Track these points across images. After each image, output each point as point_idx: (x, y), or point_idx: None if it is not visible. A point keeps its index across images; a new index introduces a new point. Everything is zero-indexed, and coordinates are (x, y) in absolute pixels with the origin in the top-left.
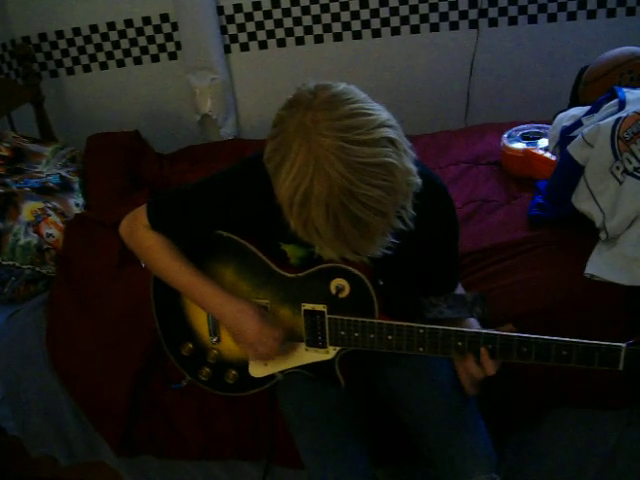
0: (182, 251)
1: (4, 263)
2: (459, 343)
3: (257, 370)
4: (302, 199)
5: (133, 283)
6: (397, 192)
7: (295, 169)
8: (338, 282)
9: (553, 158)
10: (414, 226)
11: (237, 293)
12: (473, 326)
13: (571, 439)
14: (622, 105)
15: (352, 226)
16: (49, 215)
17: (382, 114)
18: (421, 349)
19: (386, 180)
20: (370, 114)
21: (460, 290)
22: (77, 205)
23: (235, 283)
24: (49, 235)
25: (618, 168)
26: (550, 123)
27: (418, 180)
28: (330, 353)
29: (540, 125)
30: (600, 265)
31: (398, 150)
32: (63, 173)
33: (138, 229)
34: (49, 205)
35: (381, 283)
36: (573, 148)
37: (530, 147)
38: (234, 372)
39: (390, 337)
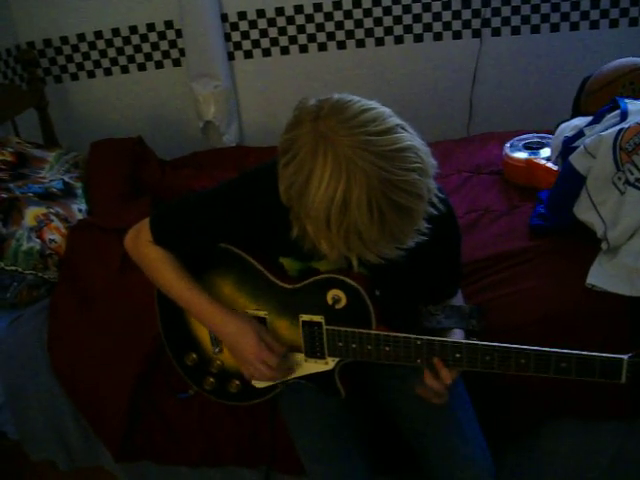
0: (184, 265)
1: (7, 268)
2: (457, 355)
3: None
4: (341, 205)
5: (135, 289)
6: (427, 172)
7: (326, 178)
8: (334, 293)
9: (555, 168)
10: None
11: (235, 304)
12: (457, 336)
13: (570, 449)
14: (624, 116)
15: (396, 215)
16: (52, 220)
17: (382, 107)
18: (418, 360)
19: (416, 162)
20: (375, 108)
21: (460, 298)
22: (80, 211)
23: (234, 294)
24: (52, 240)
25: (620, 179)
26: (552, 133)
27: (434, 161)
28: (329, 364)
29: (542, 135)
30: (601, 275)
31: (411, 134)
32: (66, 179)
33: (141, 243)
34: (52, 211)
35: (378, 293)
36: (575, 158)
37: (532, 157)
38: (237, 382)
39: (387, 348)
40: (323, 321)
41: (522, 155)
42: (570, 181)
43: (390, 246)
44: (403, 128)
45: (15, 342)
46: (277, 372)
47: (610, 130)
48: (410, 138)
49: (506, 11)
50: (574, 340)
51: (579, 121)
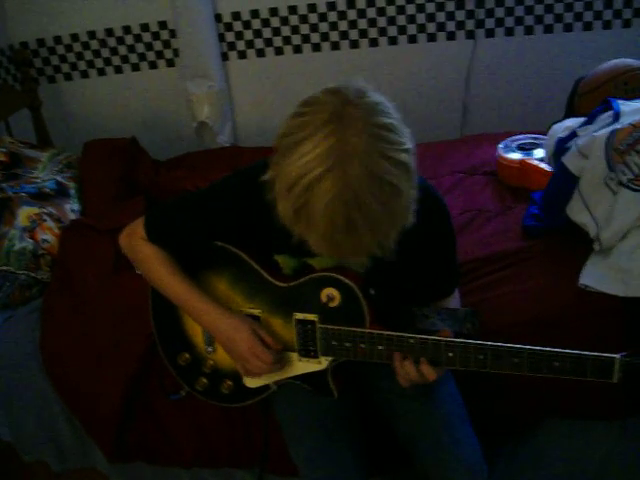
0: (179, 263)
1: None
2: (450, 354)
3: (251, 381)
4: (309, 184)
5: (128, 289)
6: (394, 216)
7: (314, 153)
8: (328, 291)
9: (548, 169)
10: (409, 235)
11: (230, 302)
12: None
13: (564, 449)
14: (617, 117)
15: (344, 228)
16: (45, 221)
17: (409, 141)
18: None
19: (390, 201)
20: (401, 136)
21: (457, 297)
22: (73, 211)
23: (228, 292)
24: (44, 241)
25: (612, 179)
26: (545, 134)
27: (410, 220)
28: (322, 363)
29: (536, 136)
30: (594, 276)
31: (410, 181)
32: (59, 179)
33: (136, 241)
34: (45, 211)
35: (372, 292)
36: (568, 159)
37: (525, 157)
38: (229, 382)
39: (381, 347)
40: (317, 319)
41: (515, 156)
42: (563, 182)
43: (326, 249)
44: (408, 172)
45: (7, 342)
46: (271, 367)
47: (603, 131)
48: (404, 182)
49: (500, 12)
50: (567, 340)
51: (572, 122)
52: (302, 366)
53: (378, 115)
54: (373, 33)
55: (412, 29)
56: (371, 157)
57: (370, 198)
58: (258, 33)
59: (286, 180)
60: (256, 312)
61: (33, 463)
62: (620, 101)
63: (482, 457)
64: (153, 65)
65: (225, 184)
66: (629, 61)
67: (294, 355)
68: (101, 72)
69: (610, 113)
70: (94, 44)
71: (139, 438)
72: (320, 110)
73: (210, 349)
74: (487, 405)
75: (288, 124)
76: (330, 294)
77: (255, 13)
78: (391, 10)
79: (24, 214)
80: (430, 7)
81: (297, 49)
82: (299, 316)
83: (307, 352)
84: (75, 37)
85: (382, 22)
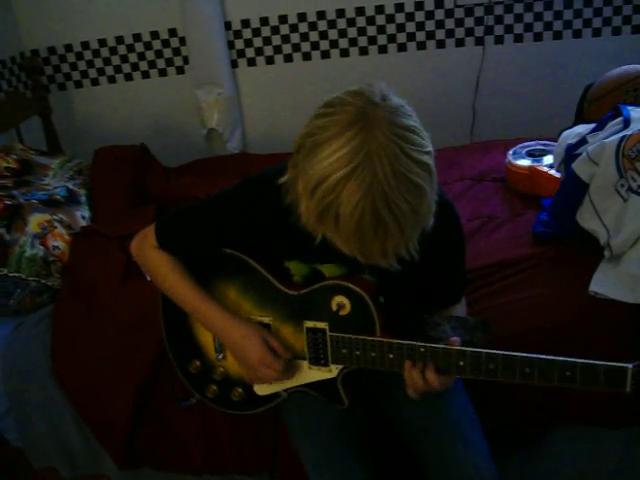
0: (189, 270)
1: (10, 275)
2: (460, 362)
3: (261, 388)
4: (336, 183)
5: (138, 296)
6: (419, 216)
7: (341, 152)
8: (339, 299)
9: (558, 175)
10: (420, 242)
11: (240, 310)
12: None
13: (573, 457)
14: (627, 123)
15: (373, 227)
16: (55, 227)
17: (429, 144)
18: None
19: (416, 201)
20: (424, 139)
21: (463, 305)
22: (83, 218)
23: (238, 300)
24: (55, 247)
25: (623, 186)
26: (555, 140)
27: (431, 221)
28: (333, 372)
29: (545, 142)
30: (605, 283)
31: (432, 183)
32: (70, 186)
33: (147, 249)
34: (55, 217)
35: (382, 300)
36: (578, 166)
37: (535, 164)
38: (240, 390)
39: (391, 356)
40: (327, 328)
41: (525, 162)
42: (573, 188)
43: (356, 250)
44: (430, 174)
45: (18, 349)
46: (281, 376)
47: (613, 137)
48: (427, 183)
49: (509, 19)
50: (578, 348)
51: (582, 128)
52: (312, 374)
53: (401, 117)
54: (382, 40)
55: (421, 36)
56: (398, 157)
57: (398, 197)
58: (267, 40)
59: (311, 180)
60: (266, 320)
61: (43, 469)
62: (630, 107)
63: (493, 464)
64: (163, 72)
65: (236, 191)
66: (639, 67)
67: (304, 363)
68: (111, 79)
69: (620, 119)
70: (104, 52)
71: (148, 445)
72: (345, 111)
73: (221, 356)
74: (497, 412)
75: (312, 124)
76: (340, 302)
77: (264, 20)
78: (400, 17)
79: (35, 221)
80: (439, 14)
81: (306, 56)
82: (309, 324)
83: (317, 360)
84: (86, 45)
85: (391, 29)
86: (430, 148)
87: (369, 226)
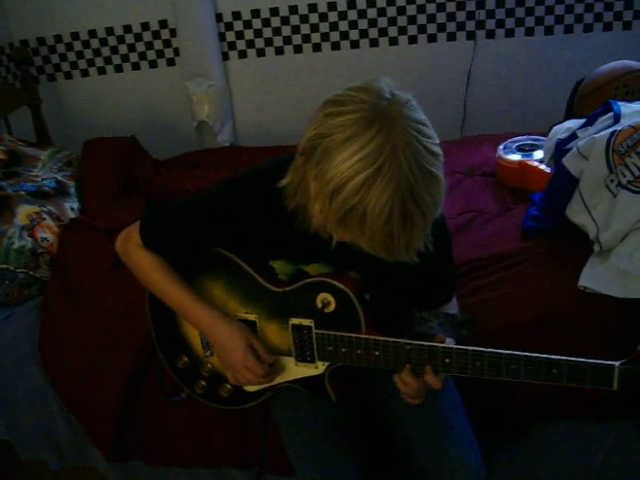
0: (174, 268)
1: None
2: (446, 360)
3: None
4: (361, 185)
5: (127, 288)
6: (438, 206)
7: (364, 152)
8: (324, 297)
9: (548, 170)
10: None
11: (225, 307)
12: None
13: (562, 450)
14: (617, 118)
15: (402, 222)
16: (44, 219)
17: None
18: (408, 365)
19: (436, 192)
20: (432, 129)
21: (454, 303)
22: (72, 209)
23: (223, 297)
24: (43, 239)
25: (612, 181)
26: (546, 135)
27: (443, 200)
28: (319, 368)
29: (536, 137)
30: (594, 277)
31: (443, 172)
32: (59, 177)
33: (132, 247)
34: (44, 209)
35: (368, 297)
36: (568, 160)
37: (525, 159)
38: (228, 386)
39: (377, 353)
40: (313, 325)
41: (515, 157)
42: (563, 183)
43: (381, 248)
44: (441, 164)
45: (5, 341)
46: (260, 380)
47: (603, 132)
48: (442, 174)
49: (500, 13)
50: (566, 342)
51: (572, 123)
52: (299, 371)
53: (413, 111)
54: (373, 33)
55: (413, 30)
56: (418, 150)
57: (423, 190)
58: (258, 33)
59: (330, 183)
60: (252, 317)
61: (31, 462)
62: (620, 103)
63: (481, 458)
64: (153, 64)
65: (222, 190)
66: (629, 63)
67: (291, 360)
68: (101, 71)
69: (610, 115)
70: (94, 43)
71: (137, 437)
72: (359, 109)
73: (208, 353)
74: (486, 406)
75: (324, 124)
76: (325, 299)
77: (256, 13)
78: (391, 11)
79: (23, 212)
80: (431, 8)
81: (297, 49)
82: (295, 321)
83: (304, 357)
84: (75, 35)
85: (383, 22)
86: (438, 139)
87: (398, 222)
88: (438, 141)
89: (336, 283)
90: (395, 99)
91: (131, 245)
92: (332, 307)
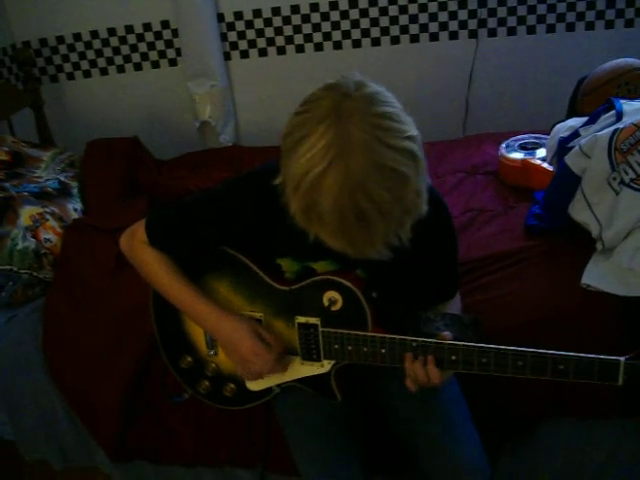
0: (179, 266)
1: (1, 268)
2: (453, 357)
3: (254, 384)
4: (313, 182)
5: (130, 289)
6: (404, 205)
7: (315, 150)
8: (330, 295)
9: (550, 168)
10: (411, 239)
11: (231, 306)
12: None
13: (566, 448)
14: (619, 116)
15: (355, 220)
16: (47, 220)
17: (413, 129)
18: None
19: (398, 189)
20: (402, 122)
21: (458, 300)
22: (75, 210)
23: (229, 296)
24: (47, 240)
25: (615, 179)
26: (548, 133)
27: (425, 207)
28: (325, 367)
29: (538, 135)
30: (596, 275)
31: (417, 168)
32: (62, 178)
33: (136, 245)
34: (47, 210)
35: (374, 295)
36: (570, 159)
37: (528, 157)
38: (232, 386)
39: (383, 350)
40: (319, 323)
41: (518, 155)
42: (565, 181)
43: (346, 246)
44: (414, 158)
45: (10, 342)
46: (273, 365)
47: (605, 130)
48: (410, 168)
49: (502, 12)
50: (570, 340)
51: (574, 121)
52: (305, 369)
53: (377, 105)
54: (375, 32)
55: (414, 29)
56: (372, 146)
57: (377, 187)
58: (260, 32)
59: (292, 180)
60: (257, 316)
61: (35, 462)
62: (622, 101)
63: (484, 456)
64: (155, 64)
65: (227, 189)
66: (631, 61)
67: (297, 358)
68: (103, 71)
69: (612, 113)
70: (96, 43)
71: (140, 437)
72: (318, 106)
73: (212, 352)
74: (489, 405)
75: (289, 124)
76: (332, 297)
77: (257, 12)
78: (393, 10)
79: (27, 213)
80: (432, 7)
81: (299, 48)
82: (301, 320)
83: (310, 355)
84: (78, 36)
85: (384, 21)
86: (412, 133)
87: (352, 219)
88: (409, 134)
89: (343, 281)
90: (358, 94)
91: (136, 243)
92: (339, 305)
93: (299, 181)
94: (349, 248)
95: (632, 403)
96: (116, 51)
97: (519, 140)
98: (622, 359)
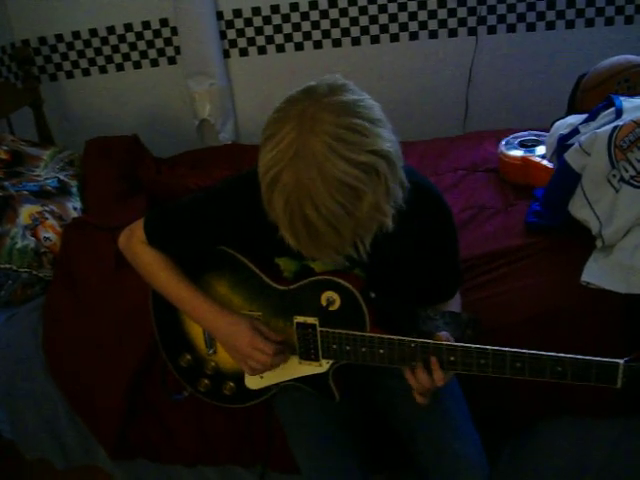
0: (177, 265)
1: (1, 266)
2: (451, 358)
3: (253, 382)
4: (272, 179)
5: (130, 287)
6: (358, 219)
7: (276, 150)
8: (329, 295)
9: (550, 166)
10: (410, 236)
11: (230, 306)
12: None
13: (566, 446)
14: (619, 113)
15: (303, 227)
16: (47, 219)
17: (383, 144)
18: (413, 363)
19: (350, 203)
20: (369, 137)
21: (458, 299)
22: (75, 209)
23: (228, 296)
24: (46, 239)
25: (615, 176)
26: (548, 131)
27: (388, 223)
28: (323, 366)
29: (538, 132)
30: (596, 273)
31: (378, 183)
32: (61, 177)
33: (135, 244)
34: (47, 209)
35: (373, 295)
36: (570, 156)
37: (528, 154)
38: (231, 384)
39: (382, 351)
40: (317, 323)
41: (517, 153)
42: (565, 179)
43: (300, 246)
44: (376, 173)
45: (9, 340)
46: (274, 359)
47: (605, 128)
48: (367, 184)
49: (502, 9)
50: (570, 338)
51: (574, 119)
52: (303, 369)
53: (344, 115)
54: (374, 30)
55: (414, 26)
56: (328, 159)
57: (327, 199)
58: (259, 30)
59: (260, 173)
60: (256, 315)
61: (35, 461)
62: (622, 98)
63: (484, 454)
64: (155, 63)
65: (224, 188)
66: (631, 57)
67: (295, 358)
68: (103, 70)
69: (612, 110)
70: (96, 42)
71: (141, 436)
72: (289, 108)
73: (211, 351)
74: (489, 402)
75: (267, 119)
76: (330, 297)
77: (256, 10)
78: (392, 7)
79: (26, 212)
80: (432, 4)
81: (298, 46)
82: (299, 319)
83: (308, 355)
84: (77, 35)
85: (383, 19)
86: (378, 147)
87: (299, 225)
88: (372, 148)
89: (341, 281)
90: (329, 100)
91: (134, 242)
92: (337, 305)
93: (262, 175)
94: (302, 250)
95: (632, 402)
96: (115, 49)
97: (519, 137)
98: (621, 362)
